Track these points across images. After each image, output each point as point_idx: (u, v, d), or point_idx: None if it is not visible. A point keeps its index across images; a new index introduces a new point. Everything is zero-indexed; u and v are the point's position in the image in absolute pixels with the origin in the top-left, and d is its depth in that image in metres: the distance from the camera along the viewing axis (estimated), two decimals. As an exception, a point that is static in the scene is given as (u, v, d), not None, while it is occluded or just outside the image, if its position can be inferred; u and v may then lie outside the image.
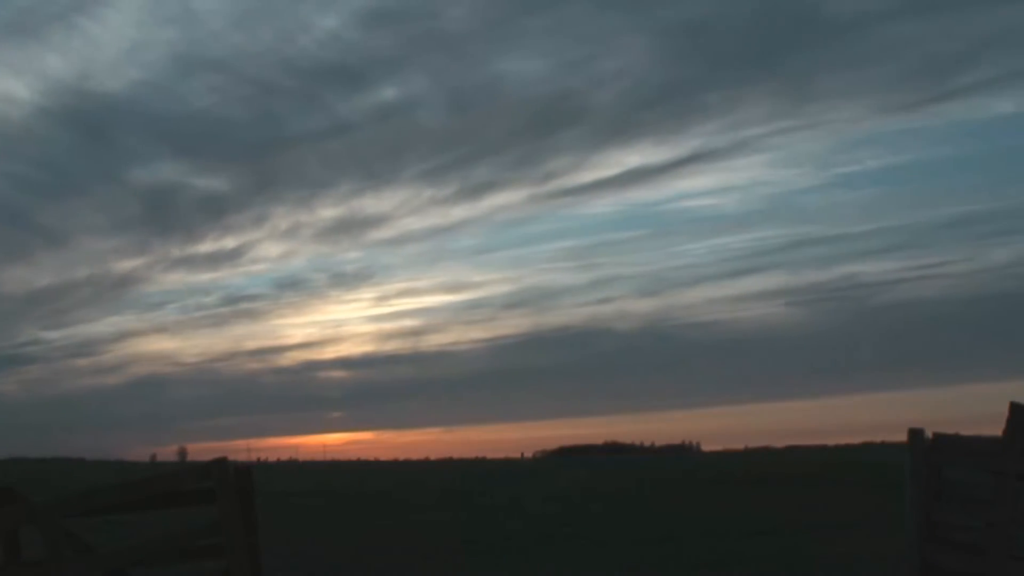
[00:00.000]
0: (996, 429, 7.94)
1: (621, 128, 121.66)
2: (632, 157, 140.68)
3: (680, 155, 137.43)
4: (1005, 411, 7.77)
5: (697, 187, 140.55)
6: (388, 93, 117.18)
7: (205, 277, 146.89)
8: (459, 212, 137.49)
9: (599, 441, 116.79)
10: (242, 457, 73.48)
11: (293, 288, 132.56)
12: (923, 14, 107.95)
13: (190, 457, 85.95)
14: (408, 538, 20.37)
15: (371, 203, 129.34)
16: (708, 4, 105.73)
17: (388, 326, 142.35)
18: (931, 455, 8.28)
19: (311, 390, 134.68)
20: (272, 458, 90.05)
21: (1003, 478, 7.57)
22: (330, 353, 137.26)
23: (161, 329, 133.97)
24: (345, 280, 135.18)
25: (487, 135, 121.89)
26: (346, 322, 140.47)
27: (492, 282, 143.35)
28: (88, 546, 7.51)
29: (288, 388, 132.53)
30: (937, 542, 8.23)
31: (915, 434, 8.44)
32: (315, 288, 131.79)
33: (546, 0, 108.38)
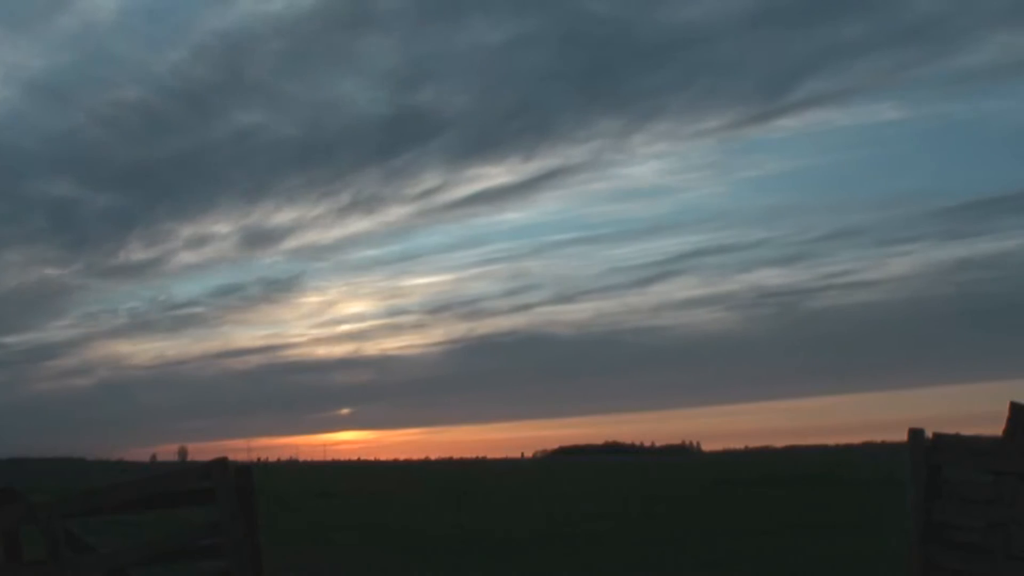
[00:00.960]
0: (994, 429, 7.96)
1: (484, 144, 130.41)
2: (504, 170, 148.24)
3: (552, 167, 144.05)
4: (1005, 411, 7.78)
5: (593, 196, 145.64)
6: (246, 115, 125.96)
7: (137, 285, 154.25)
8: (360, 224, 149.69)
9: (599, 441, 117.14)
10: (242, 457, 73.56)
11: (232, 295, 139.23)
12: (750, 31, 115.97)
13: (190, 457, 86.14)
14: (408, 538, 20.38)
15: (272, 215, 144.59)
16: (525, 24, 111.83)
17: (344, 328, 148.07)
18: (931, 455, 8.28)
19: (296, 391, 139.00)
20: (272, 458, 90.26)
21: (1003, 478, 7.57)
22: (299, 355, 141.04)
23: (117, 333, 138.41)
24: (281, 286, 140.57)
25: (353, 151, 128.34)
26: (303, 326, 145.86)
27: (423, 288, 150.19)
28: (88, 546, 7.51)
29: (272, 389, 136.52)
30: (937, 542, 8.22)
31: (915, 434, 8.43)
32: (255, 295, 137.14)
33: (370, 24, 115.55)
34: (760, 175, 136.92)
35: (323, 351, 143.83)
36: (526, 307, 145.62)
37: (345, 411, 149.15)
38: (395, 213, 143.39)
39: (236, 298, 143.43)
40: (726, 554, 16.22)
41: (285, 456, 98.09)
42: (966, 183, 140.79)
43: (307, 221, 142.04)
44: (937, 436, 8.36)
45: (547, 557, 16.75)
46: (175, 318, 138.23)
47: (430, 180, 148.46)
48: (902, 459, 8.59)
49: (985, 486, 7.85)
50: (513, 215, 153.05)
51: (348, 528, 22.88)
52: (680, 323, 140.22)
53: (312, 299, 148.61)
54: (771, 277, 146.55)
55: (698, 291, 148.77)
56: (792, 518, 21.45)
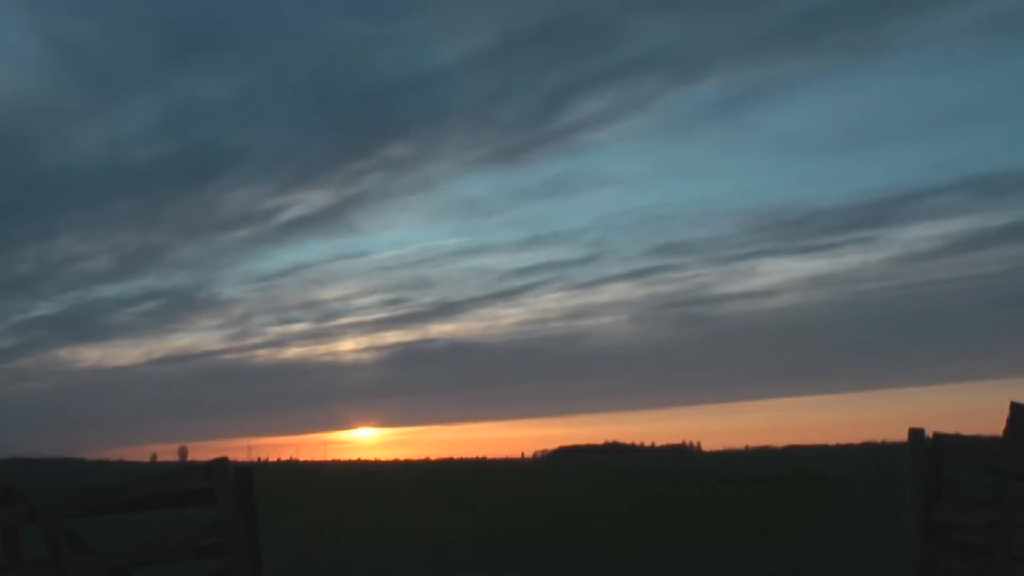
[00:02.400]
0: (994, 429, 7.96)
1: (289, 173, 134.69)
2: (324, 194, 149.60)
3: (363, 191, 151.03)
4: (1005, 410, 7.77)
5: (424, 214, 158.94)
6: (54, 153, 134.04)
7: (40, 299, 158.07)
8: (228, 238, 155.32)
9: (600, 441, 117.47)
10: (242, 457, 73.62)
11: (146, 304, 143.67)
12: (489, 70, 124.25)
13: (190, 457, 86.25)
14: (409, 537, 20.38)
15: (139, 235, 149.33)
16: (285, 63, 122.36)
17: (270, 335, 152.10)
18: (931, 455, 8.28)
19: (282, 390, 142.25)
20: (273, 457, 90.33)
21: (1003, 478, 7.57)
22: (240, 358, 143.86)
23: (49, 342, 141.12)
24: (189, 296, 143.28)
25: (168, 180, 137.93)
26: (231, 332, 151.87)
27: (331, 296, 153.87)
28: (88, 546, 7.50)
29: (254, 389, 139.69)
30: (937, 542, 8.22)
31: (915, 434, 8.43)
32: (171, 303, 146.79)
33: (140, 68, 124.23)
34: (583, 194, 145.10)
35: (266, 354, 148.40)
36: (426, 315, 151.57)
37: (331, 411, 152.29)
38: (248, 231, 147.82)
39: (154, 306, 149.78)
40: (726, 554, 16.22)
41: (284, 456, 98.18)
42: (783, 197, 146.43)
43: (177, 240, 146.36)
44: (937, 436, 8.36)
45: (547, 556, 16.75)
46: (105, 326, 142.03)
47: (266, 202, 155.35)
48: (902, 459, 8.59)
49: (985, 486, 7.85)
50: (355, 234, 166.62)
51: (349, 527, 22.89)
52: (595, 331, 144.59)
53: (234, 310, 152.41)
54: (630, 289, 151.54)
55: (576, 301, 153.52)
56: (792, 518, 21.45)
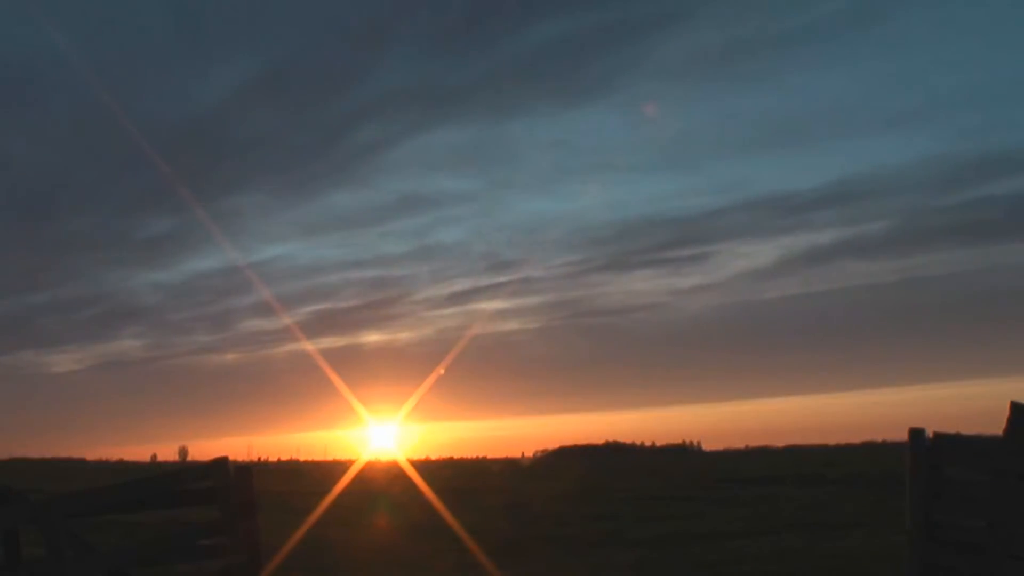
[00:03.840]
0: (994, 429, 7.96)
1: (123, 200, 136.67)
2: (169, 219, 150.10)
3: (214, 212, 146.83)
4: (1006, 410, 7.77)
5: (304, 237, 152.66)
6: None
7: None
8: (108, 257, 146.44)
9: (600, 440, 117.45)
10: (242, 457, 73.68)
11: (93, 309, 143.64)
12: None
13: (190, 457, 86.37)
14: (408, 538, 20.38)
15: (23, 256, 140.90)
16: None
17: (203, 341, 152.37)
18: (931, 455, 8.28)
19: (274, 388, 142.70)
20: (273, 457, 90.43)
21: (1003, 478, 7.57)
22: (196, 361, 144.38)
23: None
24: (132, 307, 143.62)
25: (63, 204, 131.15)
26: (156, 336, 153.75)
27: (242, 309, 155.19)
28: (88, 546, 7.50)
29: (247, 385, 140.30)
30: (937, 542, 8.22)
31: (915, 434, 8.43)
32: (109, 312, 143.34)
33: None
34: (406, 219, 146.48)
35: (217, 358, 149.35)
36: (345, 323, 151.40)
37: (319, 408, 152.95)
38: (114, 252, 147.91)
39: (81, 316, 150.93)
40: (726, 554, 16.22)
41: (286, 456, 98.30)
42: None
43: (54, 258, 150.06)
44: (937, 436, 8.36)
45: (547, 557, 16.76)
46: (41, 334, 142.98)
47: (114, 225, 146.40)
48: (902, 459, 8.59)
49: (985, 486, 7.85)
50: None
51: (348, 527, 22.89)
52: (510, 339, 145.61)
53: (155, 318, 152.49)
54: (530, 299, 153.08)
55: (483, 307, 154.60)
56: (792, 518, 21.45)
